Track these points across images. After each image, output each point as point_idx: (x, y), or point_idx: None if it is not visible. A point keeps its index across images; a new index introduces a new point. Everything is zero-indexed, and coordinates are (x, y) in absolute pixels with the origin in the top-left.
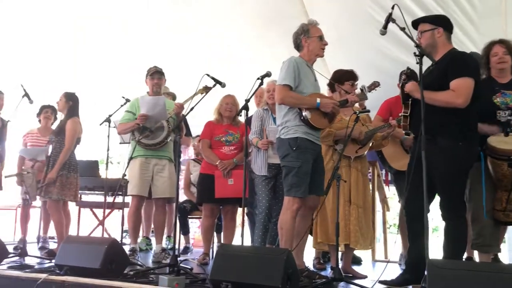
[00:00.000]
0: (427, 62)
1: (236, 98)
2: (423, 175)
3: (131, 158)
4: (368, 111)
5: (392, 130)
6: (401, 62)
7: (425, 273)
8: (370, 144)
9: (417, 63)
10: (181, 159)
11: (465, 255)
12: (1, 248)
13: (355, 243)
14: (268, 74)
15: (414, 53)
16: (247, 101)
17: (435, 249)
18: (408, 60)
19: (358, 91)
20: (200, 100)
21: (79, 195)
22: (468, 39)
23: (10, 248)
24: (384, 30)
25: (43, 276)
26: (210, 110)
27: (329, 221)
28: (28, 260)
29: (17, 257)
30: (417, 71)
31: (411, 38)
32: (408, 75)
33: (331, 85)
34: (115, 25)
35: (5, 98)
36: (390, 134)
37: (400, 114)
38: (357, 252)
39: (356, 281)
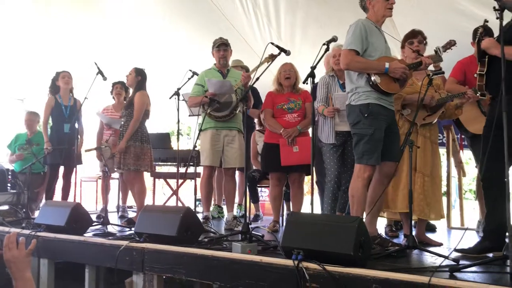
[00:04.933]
0: (507, 18)
1: (293, 65)
2: (504, 137)
3: (201, 130)
4: (443, 72)
5: (466, 101)
6: (478, 18)
7: (507, 240)
8: (440, 112)
9: (497, 18)
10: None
11: None
12: (86, 217)
13: (418, 212)
14: (334, 39)
15: (494, 7)
16: (313, 68)
17: None
18: (486, 16)
19: (432, 53)
20: (266, 69)
21: (154, 166)
22: None
23: (93, 217)
24: None
25: (124, 243)
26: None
27: (389, 187)
28: (110, 228)
29: (100, 225)
30: (496, 28)
31: None
32: (485, 28)
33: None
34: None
35: (80, 78)
36: (464, 103)
37: (475, 74)
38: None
39: (431, 249)
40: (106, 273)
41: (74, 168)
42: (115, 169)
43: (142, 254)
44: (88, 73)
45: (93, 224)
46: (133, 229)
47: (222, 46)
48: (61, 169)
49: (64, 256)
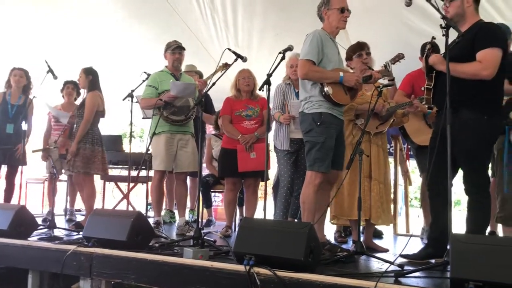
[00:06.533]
0: (452, 35)
1: (251, 71)
2: (448, 149)
3: (154, 133)
4: (393, 85)
5: (413, 110)
6: (426, 34)
7: (448, 247)
8: (392, 121)
9: (443, 35)
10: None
11: (488, 229)
12: (31, 220)
13: (376, 218)
14: (290, 48)
15: (441, 25)
16: (269, 75)
17: (457, 223)
18: (434, 33)
19: (381, 65)
20: (221, 76)
21: (107, 168)
22: (495, 11)
23: (39, 220)
24: (409, 1)
25: (72, 247)
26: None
27: (345, 195)
28: (56, 232)
29: (46, 229)
30: (443, 44)
31: (437, 9)
32: (433, 44)
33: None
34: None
35: (30, 75)
36: (411, 112)
37: (422, 88)
38: (378, 226)
39: (378, 255)
40: (50, 279)
41: (18, 169)
42: (63, 171)
43: (90, 259)
44: (39, 72)
45: (39, 228)
46: (81, 233)
47: (177, 49)
48: (4, 170)
49: (5, 261)
